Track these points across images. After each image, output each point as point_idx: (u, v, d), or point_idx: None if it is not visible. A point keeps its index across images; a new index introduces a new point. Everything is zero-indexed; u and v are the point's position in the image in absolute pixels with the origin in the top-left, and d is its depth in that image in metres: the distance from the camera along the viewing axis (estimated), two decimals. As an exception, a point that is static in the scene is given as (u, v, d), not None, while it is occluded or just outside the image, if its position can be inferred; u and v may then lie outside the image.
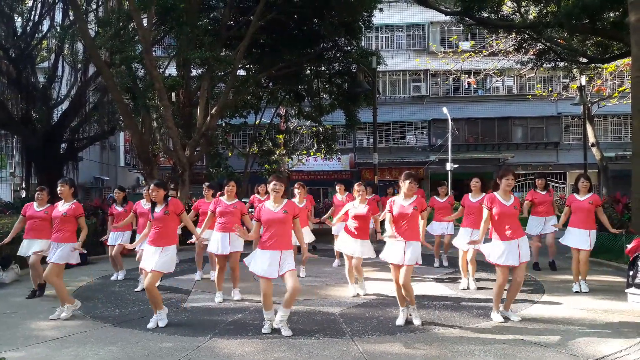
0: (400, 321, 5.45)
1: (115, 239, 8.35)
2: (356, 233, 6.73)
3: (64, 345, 4.92)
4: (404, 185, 5.48)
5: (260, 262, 5.09)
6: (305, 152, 24.77)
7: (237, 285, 6.83)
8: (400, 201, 5.51)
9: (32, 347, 4.90)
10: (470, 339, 4.91)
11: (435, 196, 9.16)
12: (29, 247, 7.00)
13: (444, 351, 4.59)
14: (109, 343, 4.97)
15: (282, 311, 5.14)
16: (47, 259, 6.12)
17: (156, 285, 5.48)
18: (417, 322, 5.40)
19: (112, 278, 8.46)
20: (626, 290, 6.08)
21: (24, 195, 19.29)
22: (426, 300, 6.51)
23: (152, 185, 5.58)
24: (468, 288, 7.22)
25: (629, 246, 6.46)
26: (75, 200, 6.28)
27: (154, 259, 5.41)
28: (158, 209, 5.55)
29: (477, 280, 7.41)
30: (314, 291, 7.24)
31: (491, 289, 7.10)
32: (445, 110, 25.29)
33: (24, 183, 20.11)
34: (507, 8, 15.69)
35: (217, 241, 6.69)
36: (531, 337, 4.91)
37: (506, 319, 5.51)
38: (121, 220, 7.94)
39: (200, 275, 8.35)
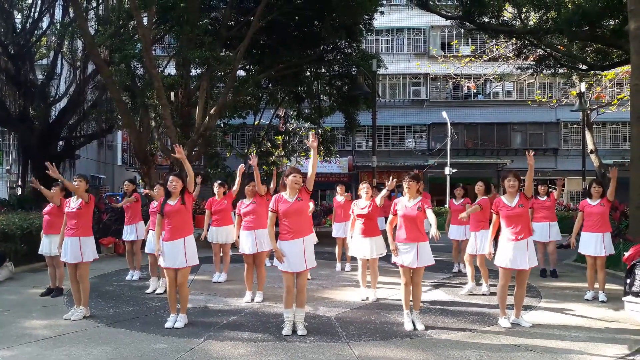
0: (409, 325, 5.40)
1: (128, 233, 8.21)
2: (364, 230, 6.71)
3: (57, 345, 4.87)
4: (406, 185, 5.47)
5: (285, 257, 5.13)
6: (304, 154, 24.72)
7: (261, 288, 6.71)
8: (405, 202, 5.50)
9: (25, 345, 4.86)
10: (466, 345, 4.88)
11: (452, 199, 9.11)
12: (50, 245, 6.96)
13: (439, 357, 4.56)
14: (102, 343, 4.92)
15: (298, 311, 5.24)
16: (63, 258, 5.93)
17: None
18: (420, 326, 5.38)
19: (127, 278, 8.35)
20: (623, 299, 6.05)
21: (19, 192, 19.23)
22: (423, 304, 6.47)
23: (171, 176, 5.50)
24: (472, 294, 7.15)
25: (627, 254, 6.45)
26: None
27: (180, 254, 5.30)
28: (173, 202, 5.40)
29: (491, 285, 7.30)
30: (310, 294, 7.16)
31: (482, 295, 7.12)
32: (444, 114, 25.27)
33: (20, 180, 20.03)
34: (508, 14, 15.72)
35: (243, 240, 6.64)
36: (527, 344, 4.88)
37: (514, 325, 5.50)
38: (129, 214, 8.14)
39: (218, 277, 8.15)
